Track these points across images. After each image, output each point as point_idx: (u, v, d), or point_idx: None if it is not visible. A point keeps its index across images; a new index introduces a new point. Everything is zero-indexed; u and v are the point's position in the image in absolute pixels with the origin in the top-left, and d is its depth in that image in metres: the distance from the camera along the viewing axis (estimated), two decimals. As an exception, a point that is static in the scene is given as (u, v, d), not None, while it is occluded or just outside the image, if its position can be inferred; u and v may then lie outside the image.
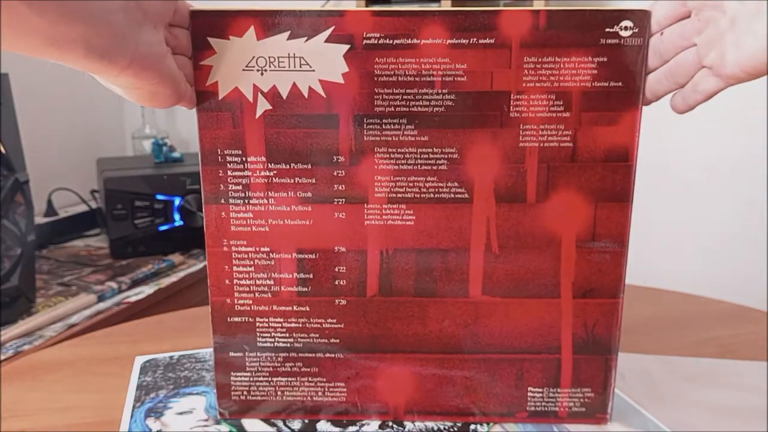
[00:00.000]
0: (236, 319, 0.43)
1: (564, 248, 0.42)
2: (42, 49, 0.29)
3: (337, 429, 0.45)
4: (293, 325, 0.44)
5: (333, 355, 0.44)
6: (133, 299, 0.97)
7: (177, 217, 1.15)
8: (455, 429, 0.45)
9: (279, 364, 0.44)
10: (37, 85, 1.25)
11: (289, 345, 0.44)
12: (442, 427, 0.45)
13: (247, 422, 0.46)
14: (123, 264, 1.10)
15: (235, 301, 0.43)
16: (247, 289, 0.43)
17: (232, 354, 0.44)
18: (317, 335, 0.44)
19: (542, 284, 0.42)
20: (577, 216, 0.41)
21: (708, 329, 0.63)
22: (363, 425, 0.45)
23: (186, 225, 1.15)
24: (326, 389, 0.45)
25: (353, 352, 0.44)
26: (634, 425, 0.45)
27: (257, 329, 0.44)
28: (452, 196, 0.41)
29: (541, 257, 0.42)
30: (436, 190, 0.41)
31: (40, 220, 1.22)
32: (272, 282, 0.43)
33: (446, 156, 0.40)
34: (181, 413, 0.48)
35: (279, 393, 0.45)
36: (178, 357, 0.57)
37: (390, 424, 0.45)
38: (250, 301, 0.43)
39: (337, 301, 0.43)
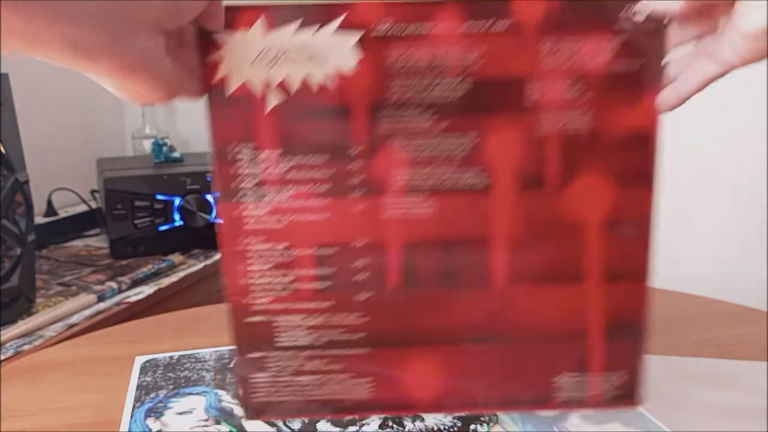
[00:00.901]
0: (254, 319, 0.42)
1: (588, 233, 0.41)
2: (25, 47, 0.28)
3: (337, 429, 0.45)
4: (314, 322, 0.42)
5: (358, 351, 0.43)
6: (133, 299, 0.97)
7: (177, 217, 1.15)
8: (455, 429, 0.45)
9: (301, 364, 0.43)
10: (37, 85, 1.25)
11: (310, 343, 0.43)
12: (442, 428, 0.45)
13: (246, 422, 0.46)
14: (123, 264, 1.10)
15: (253, 301, 0.42)
16: (265, 288, 0.42)
17: (251, 356, 0.43)
18: (340, 331, 0.43)
19: (568, 270, 0.41)
20: (600, 200, 0.40)
21: (708, 329, 0.63)
22: (363, 425, 0.45)
23: (186, 225, 1.15)
24: (352, 386, 0.44)
25: (378, 347, 0.43)
26: (634, 425, 0.45)
27: (277, 329, 0.43)
28: (472, 184, 0.40)
29: (565, 243, 0.41)
30: (456, 179, 0.40)
31: (40, 220, 1.22)
32: (290, 280, 0.42)
33: (464, 144, 0.40)
34: (181, 413, 0.48)
35: (303, 393, 0.44)
36: (178, 357, 0.57)
37: (390, 424, 0.45)
38: (268, 301, 0.42)
39: (358, 295, 0.42)
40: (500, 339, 0.43)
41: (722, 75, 0.36)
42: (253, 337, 0.43)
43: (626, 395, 0.44)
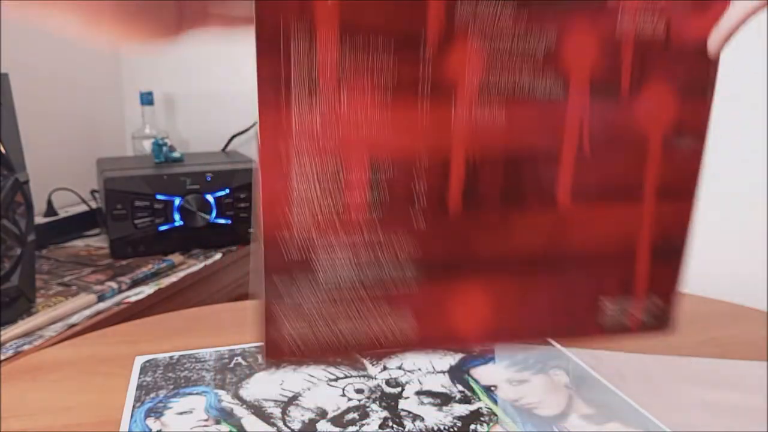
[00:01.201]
0: (295, 255, 0.36)
1: (651, 147, 0.40)
2: None
3: (337, 429, 0.45)
4: (362, 256, 0.37)
5: (407, 288, 0.38)
6: (133, 299, 0.97)
7: (177, 217, 1.15)
8: (455, 429, 0.45)
9: (344, 307, 0.38)
10: (37, 85, 1.25)
11: (356, 282, 0.37)
12: (442, 428, 0.45)
13: (246, 422, 0.46)
14: (123, 264, 1.10)
15: (295, 234, 0.36)
16: (309, 217, 0.35)
17: (287, 301, 0.37)
18: (390, 266, 0.38)
19: (628, 187, 0.40)
20: (665, 110, 0.39)
21: (708, 329, 0.63)
22: (363, 425, 0.45)
23: (186, 225, 1.15)
24: (396, 329, 0.39)
25: (428, 281, 0.38)
26: (634, 425, 0.45)
27: (319, 266, 0.37)
28: (549, 91, 0.37)
29: (628, 157, 0.40)
30: (532, 82, 0.37)
31: (40, 220, 1.22)
32: (340, 205, 0.36)
33: (543, 44, 0.37)
34: (181, 413, 0.48)
35: (342, 340, 0.38)
36: (178, 357, 0.56)
37: (390, 424, 0.45)
38: (313, 232, 0.36)
39: (415, 223, 0.37)
40: (555, 264, 0.40)
41: (760, 8, 0.36)
42: (290, 279, 0.37)
43: (662, 322, 0.43)
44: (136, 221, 1.12)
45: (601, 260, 0.41)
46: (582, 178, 0.39)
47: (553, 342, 0.58)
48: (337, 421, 0.46)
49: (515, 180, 0.38)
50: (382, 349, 0.40)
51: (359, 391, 0.50)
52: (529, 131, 0.38)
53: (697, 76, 0.39)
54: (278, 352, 0.38)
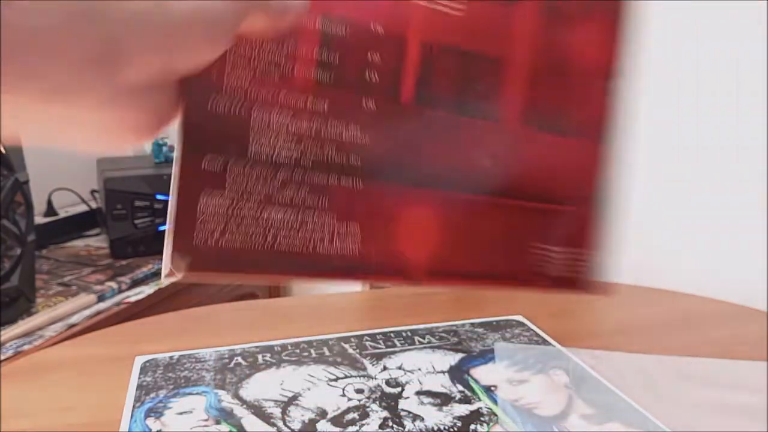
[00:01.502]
0: (222, 105, 0.30)
1: (591, 82, 0.40)
2: None
3: (338, 429, 0.45)
4: (304, 128, 0.31)
5: (351, 181, 0.33)
6: (133, 299, 0.97)
7: (177, 217, 1.15)
8: (455, 429, 0.45)
9: (275, 190, 0.31)
10: (37, 85, 1.25)
11: (294, 160, 0.31)
12: (442, 428, 0.45)
13: (246, 422, 0.46)
14: (123, 264, 1.10)
15: (226, 78, 0.29)
16: (247, 61, 0.30)
17: (208, 164, 0.29)
18: (334, 149, 0.33)
19: (573, 120, 0.40)
20: (603, 46, 0.40)
21: (708, 329, 0.63)
22: (363, 425, 0.45)
23: (186, 225, 1.15)
24: (336, 233, 0.33)
25: (376, 180, 0.35)
26: (634, 425, 0.45)
27: (252, 126, 0.30)
28: None
29: (571, 89, 0.39)
30: None
31: (40, 220, 1.22)
32: (284, 56, 0.30)
33: None
34: (181, 413, 0.48)
35: (269, 236, 0.31)
36: (178, 357, 0.56)
37: (390, 424, 0.45)
38: (249, 79, 0.30)
39: (365, 101, 0.33)
40: (501, 192, 0.39)
41: None
42: (215, 133, 0.30)
43: (591, 277, 0.42)
44: (136, 221, 1.13)
45: (550, 200, 0.40)
46: (533, 98, 0.38)
47: (553, 342, 0.58)
48: (337, 421, 0.46)
49: (470, 82, 0.36)
50: (319, 273, 0.33)
51: (359, 391, 0.50)
52: (486, 32, 0.36)
53: (625, 12, 0.39)
54: (187, 235, 0.29)
